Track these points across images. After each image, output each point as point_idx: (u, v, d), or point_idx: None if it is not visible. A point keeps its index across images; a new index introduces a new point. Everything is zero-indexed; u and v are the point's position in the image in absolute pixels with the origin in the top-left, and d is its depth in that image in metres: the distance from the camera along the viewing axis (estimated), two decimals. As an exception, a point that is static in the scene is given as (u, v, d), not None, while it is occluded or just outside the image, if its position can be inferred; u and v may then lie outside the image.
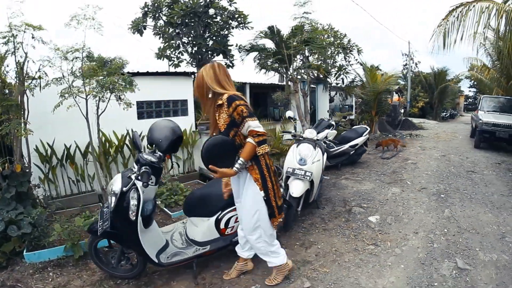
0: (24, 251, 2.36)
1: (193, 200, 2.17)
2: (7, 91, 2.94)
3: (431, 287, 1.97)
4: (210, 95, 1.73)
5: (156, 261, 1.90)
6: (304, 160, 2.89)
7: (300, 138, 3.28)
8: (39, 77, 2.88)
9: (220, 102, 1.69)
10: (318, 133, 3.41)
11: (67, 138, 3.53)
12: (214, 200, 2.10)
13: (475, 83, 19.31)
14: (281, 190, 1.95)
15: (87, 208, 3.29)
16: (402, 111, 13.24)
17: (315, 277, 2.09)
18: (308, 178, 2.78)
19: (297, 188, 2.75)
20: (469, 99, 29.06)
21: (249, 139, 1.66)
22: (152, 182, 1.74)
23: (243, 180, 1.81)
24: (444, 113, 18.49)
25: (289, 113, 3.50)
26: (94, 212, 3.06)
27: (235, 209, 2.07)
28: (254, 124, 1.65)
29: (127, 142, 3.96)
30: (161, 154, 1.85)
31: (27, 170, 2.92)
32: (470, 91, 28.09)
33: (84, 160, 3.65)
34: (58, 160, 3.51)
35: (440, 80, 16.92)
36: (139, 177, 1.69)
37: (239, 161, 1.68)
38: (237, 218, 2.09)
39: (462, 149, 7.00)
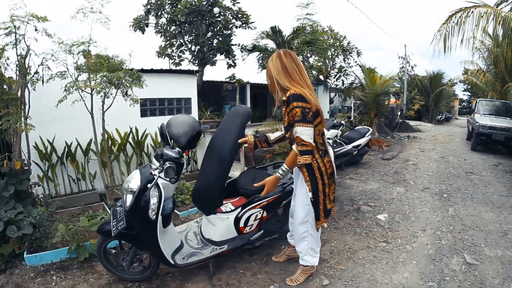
0: (25, 253, 2.22)
1: (200, 197, 2.06)
2: (5, 87, 2.81)
3: (443, 282, 2.02)
4: (279, 88, 1.68)
5: (172, 262, 1.81)
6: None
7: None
8: (42, 70, 2.76)
9: (284, 98, 1.62)
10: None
11: (68, 135, 3.41)
12: (216, 185, 1.98)
13: (470, 86, 19.70)
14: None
15: (89, 207, 3.16)
16: (399, 113, 13.40)
17: (332, 274, 2.09)
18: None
19: None
20: (463, 103, 29.61)
21: (293, 146, 1.60)
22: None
23: (297, 175, 1.81)
24: (440, 116, 18.73)
25: None
26: (98, 212, 2.93)
27: (255, 207, 2.01)
28: (300, 131, 1.55)
29: (130, 140, 3.84)
30: (179, 150, 1.76)
31: (27, 168, 2.78)
32: (464, 94, 28.73)
33: (85, 158, 3.52)
34: (58, 157, 3.38)
35: (435, 83, 17.13)
36: (164, 173, 1.60)
37: (282, 167, 1.66)
38: (256, 216, 2.03)
39: (459, 151, 7.14)
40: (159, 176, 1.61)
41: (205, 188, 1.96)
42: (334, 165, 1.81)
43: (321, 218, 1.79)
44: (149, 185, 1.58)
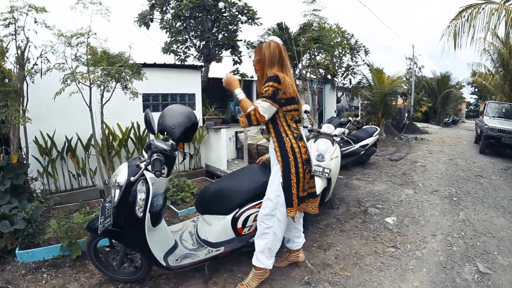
0: (17, 249, 2.15)
1: (208, 196, 1.95)
2: (6, 80, 2.76)
3: (455, 292, 1.90)
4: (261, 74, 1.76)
5: (164, 264, 1.69)
6: (322, 156, 2.72)
7: (317, 133, 3.11)
8: (41, 63, 2.70)
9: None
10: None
11: (68, 129, 3.35)
12: (232, 195, 1.89)
13: (478, 89, 19.15)
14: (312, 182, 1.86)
15: (87, 203, 3.09)
16: (406, 114, 13.10)
17: (336, 281, 1.97)
18: (327, 175, 2.61)
19: (316, 186, 2.57)
20: (470, 106, 28.90)
21: (254, 103, 1.64)
22: (164, 173, 1.51)
23: (273, 157, 1.76)
24: (447, 119, 18.40)
25: (305, 107, 3.32)
26: (95, 208, 2.86)
27: (254, 206, 1.88)
28: (259, 101, 1.61)
29: (131, 135, 3.77)
30: (173, 142, 1.65)
31: (25, 162, 2.73)
32: (471, 97, 28.07)
33: (86, 154, 3.46)
34: (58, 152, 3.32)
35: (443, 85, 16.77)
36: (150, 166, 1.47)
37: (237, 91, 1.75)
38: (256, 216, 1.90)
39: (467, 154, 6.95)
40: (145, 168, 1.49)
41: (235, 190, 1.91)
42: (310, 152, 1.77)
43: (294, 204, 1.68)
44: (132, 179, 1.45)
